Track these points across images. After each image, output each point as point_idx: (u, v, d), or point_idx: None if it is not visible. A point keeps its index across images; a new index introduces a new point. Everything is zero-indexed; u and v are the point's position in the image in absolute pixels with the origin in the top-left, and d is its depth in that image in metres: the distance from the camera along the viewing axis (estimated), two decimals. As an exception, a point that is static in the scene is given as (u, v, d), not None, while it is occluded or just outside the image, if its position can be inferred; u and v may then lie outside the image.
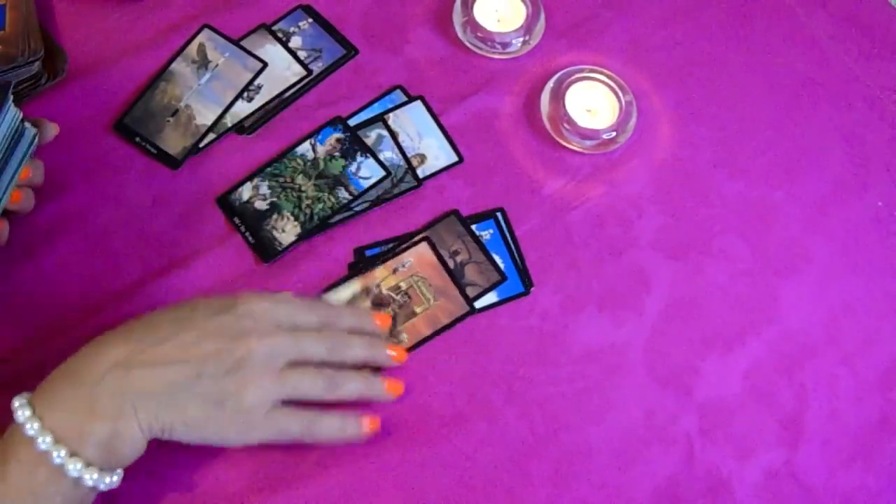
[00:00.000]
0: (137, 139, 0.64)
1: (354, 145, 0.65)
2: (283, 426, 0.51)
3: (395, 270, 0.61)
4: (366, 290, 0.60)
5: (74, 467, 0.44)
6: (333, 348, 0.53)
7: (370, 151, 0.65)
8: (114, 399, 0.46)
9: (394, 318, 0.60)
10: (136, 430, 0.46)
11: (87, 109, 0.65)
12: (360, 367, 0.56)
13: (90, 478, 0.44)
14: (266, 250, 0.61)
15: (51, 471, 0.44)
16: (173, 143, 0.64)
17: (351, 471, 0.56)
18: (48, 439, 0.44)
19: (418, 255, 0.62)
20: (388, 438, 0.57)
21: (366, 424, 0.54)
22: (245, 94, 0.66)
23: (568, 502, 0.57)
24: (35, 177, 0.57)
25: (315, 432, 0.52)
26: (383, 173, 0.64)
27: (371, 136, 0.66)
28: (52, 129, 0.57)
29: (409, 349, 0.59)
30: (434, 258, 0.62)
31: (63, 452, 0.44)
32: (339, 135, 0.65)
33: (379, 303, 0.60)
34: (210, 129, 0.64)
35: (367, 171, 0.64)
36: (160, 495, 0.54)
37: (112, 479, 0.46)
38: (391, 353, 0.56)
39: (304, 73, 0.68)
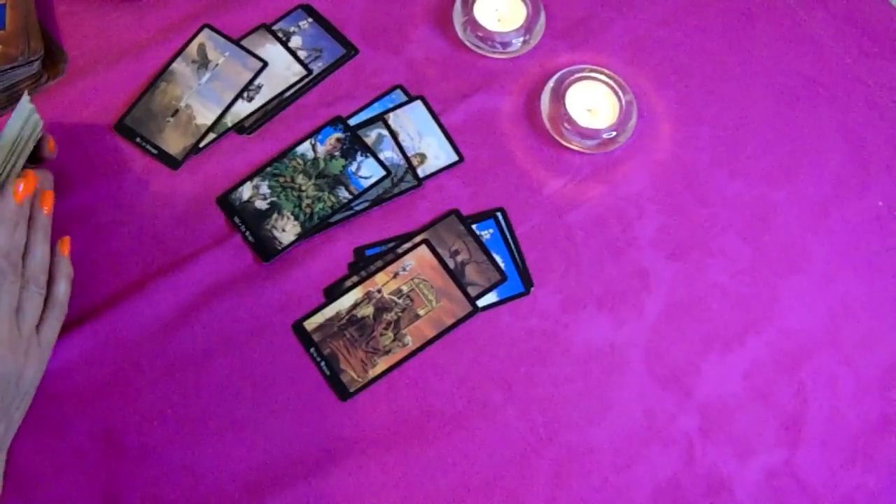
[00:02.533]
0: (138, 139, 0.64)
1: (354, 145, 0.65)
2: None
3: (395, 274, 0.61)
4: (367, 296, 0.60)
5: None
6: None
7: (370, 151, 0.65)
8: None
9: (397, 322, 0.60)
10: None
11: (87, 109, 0.65)
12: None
13: None
14: (266, 250, 0.61)
15: None
16: (174, 143, 0.64)
17: (351, 471, 0.56)
18: None
19: (418, 258, 0.62)
20: (389, 438, 0.57)
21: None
22: (245, 94, 0.66)
23: (568, 502, 0.57)
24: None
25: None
26: (383, 173, 0.64)
27: (371, 136, 0.66)
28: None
29: (414, 352, 0.59)
30: (434, 260, 0.62)
31: None
32: (339, 134, 0.65)
33: (381, 307, 0.60)
34: (210, 128, 0.64)
35: (367, 171, 0.64)
36: (161, 495, 0.54)
37: None
38: (43, 208, 0.54)
39: (304, 72, 0.68)
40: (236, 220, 0.62)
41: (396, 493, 0.56)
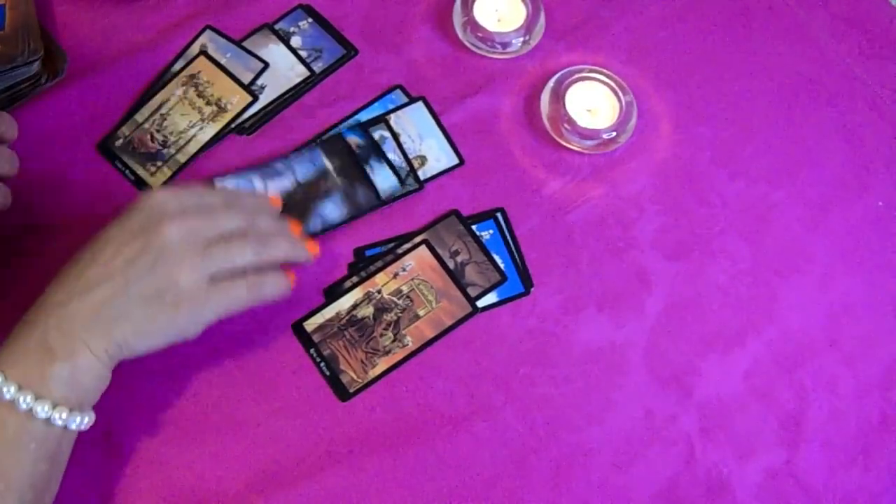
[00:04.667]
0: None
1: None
2: (231, 295, 0.50)
3: (395, 275, 0.61)
4: (367, 296, 0.60)
5: (42, 409, 0.44)
6: (253, 234, 0.52)
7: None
8: (63, 338, 0.46)
9: (397, 322, 0.60)
10: (93, 360, 0.47)
11: (87, 109, 0.65)
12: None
13: (59, 417, 0.45)
14: (266, 250, 0.61)
15: (19, 418, 0.45)
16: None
17: (351, 471, 0.56)
18: (12, 389, 0.44)
19: (418, 258, 0.62)
20: (389, 438, 0.57)
21: (291, 278, 0.54)
22: (245, 95, 0.66)
23: (568, 502, 0.57)
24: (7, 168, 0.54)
25: (261, 292, 0.52)
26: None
27: (373, 137, 0.66)
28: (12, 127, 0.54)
29: (414, 352, 0.59)
30: (434, 260, 0.62)
31: (28, 397, 0.44)
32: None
33: (381, 308, 0.60)
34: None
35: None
36: (161, 495, 0.54)
37: (83, 420, 0.47)
38: (309, 253, 0.55)
39: (307, 73, 0.67)
40: (236, 220, 0.62)
41: (396, 493, 0.56)
